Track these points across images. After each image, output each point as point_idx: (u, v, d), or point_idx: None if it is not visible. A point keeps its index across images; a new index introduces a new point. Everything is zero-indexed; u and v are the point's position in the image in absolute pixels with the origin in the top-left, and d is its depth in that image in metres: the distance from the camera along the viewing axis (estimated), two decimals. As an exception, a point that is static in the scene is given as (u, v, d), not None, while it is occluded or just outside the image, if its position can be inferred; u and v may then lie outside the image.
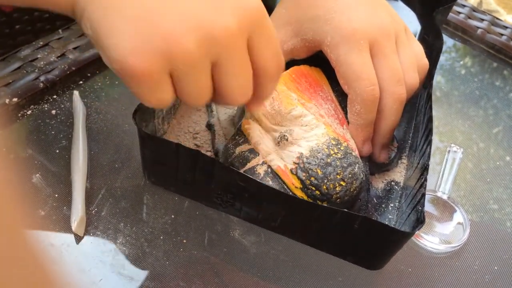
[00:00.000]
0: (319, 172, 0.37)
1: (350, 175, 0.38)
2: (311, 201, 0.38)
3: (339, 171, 0.38)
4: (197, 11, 0.29)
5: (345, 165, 0.38)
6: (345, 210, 0.35)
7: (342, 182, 0.38)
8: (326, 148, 0.38)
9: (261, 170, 0.38)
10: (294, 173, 0.38)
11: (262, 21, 0.31)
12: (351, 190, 0.38)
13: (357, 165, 0.39)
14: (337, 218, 0.36)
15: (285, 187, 0.38)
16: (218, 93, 0.32)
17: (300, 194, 0.38)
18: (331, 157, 0.38)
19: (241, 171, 0.38)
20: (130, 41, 0.28)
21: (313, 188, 0.37)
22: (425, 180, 0.37)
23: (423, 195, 0.36)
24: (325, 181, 0.37)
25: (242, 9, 0.30)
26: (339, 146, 0.39)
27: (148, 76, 0.28)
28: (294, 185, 0.38)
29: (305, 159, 0.37)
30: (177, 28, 0.28)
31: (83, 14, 0.29)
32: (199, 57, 0.29)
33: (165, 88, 0.30)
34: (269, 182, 0.38)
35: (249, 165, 0.38)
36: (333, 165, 0.38)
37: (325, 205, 0.37)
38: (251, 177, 0.36)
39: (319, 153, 0.38)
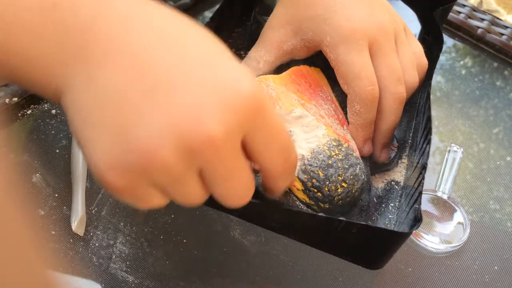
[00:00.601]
0: (321, 174, 0.37)
1: (351, 176, 0.38)
2: (309, 211, 0.38)
3: (340, 173, 0.38)
4: (175, 119, 0.25)
5: (346, 166, 0.38)
6: (343, 219, 0.35)
7: (344, 184, 0.38)
8: (327, 150, 0.38)
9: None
10: (296, 175, 0.37)
11: (259, 115, 0.26)
12: (353, 191, 0.38)
13: (359, 166, 0.39)
14: (335, 225, 0.36)
15: (287, 189, 0.38)
16: (215, 197, 0.28)
17: (302, 196, 0.38)
18: (332, 158, 0.38)
19: None
20: (106, 156, 0.25)
21: (315, 190, 0.37)
22: (423, 178, 0.37)
23: (420, 193, 0.36)
24: (327, 182, 0.37)
25: (231, 107, 0.25)
26: (340, 147, 0.39)
27: (130, 191, 0.26)
28: (296, 187, 0.38)
29: (306, 161, 0.37)
30: (152, 141, 0.24)
31: (67, 114, 0.27)
32: (180, 171, 0.25)
33: (153, 196, 0.27)
34: None
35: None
36: (334, 166, 0.38)
37: (325, 215, 0.37)
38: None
39: (320, 154, 0.38)
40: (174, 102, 0.25)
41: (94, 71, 0.26)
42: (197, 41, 0.27)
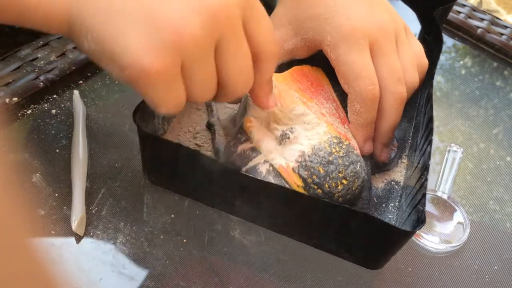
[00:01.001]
0: (321, 171, 0.37)
1: (352, 174, 0.38)
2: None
3: (341, 170, 0.38)
4: None
5: (347, 163, 0.38)
6: (346, 205, 0.35)
7: (344, 181, 0.38)
8: (328, 147, 0.38)
9: (263, 168, 0.38)
10: (296, 171, 0.37)
11: (253, 1, 0.32)
12: (353, 188, 0.38)
13: (359, 163, 0.39)
14: (337, 215, 0.36)
15: (287, 185, 0.38)
16: (221, 83, 0.32)
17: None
18: (333, 155, 0.38)
19: (243, 169, 0.38)
20: (139, 41, 0.27)
21: (315, 187, 0.37)
22: (426, 179, 0.37)
23: (424, 195, 0.36)
24: (327, 179, 0.37)
25: None
26: (341, 145, 0.39)
27: (165, 73, 0.28)
28: (296, 183, 0.38)
29: (307, 158, 0.37)
30: (179, 16, 0.28)
31: (82, 28, 0.28)
32: (205, 39, 0.29)
33: (179, 87, 0.29)
34: (271, 180, 0.38)
35: (251, 164, 0.38)
36: (335, 163, 0.38)
37: (327, 200, 0.37)
38: (251, 175, 0.36)
39: (321, 151, 0.38)
40: None
41: None
42: None
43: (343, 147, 0.39)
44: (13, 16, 0.29)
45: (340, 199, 0.38)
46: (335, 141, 0.39)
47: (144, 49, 0.27)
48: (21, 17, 0.29)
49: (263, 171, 0.38)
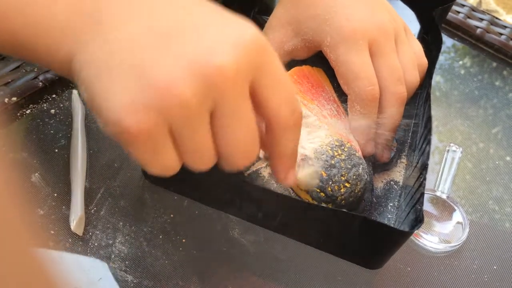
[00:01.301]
0: (324, 174, 0.37)
1: (354, 176, 0.38)
2: (314, 203, 0.38)
3: (343, 173, 0.38)
4: (189, 53, 0.26)
5: (349, 166, 0.38)
6: (344, 210, 0.35)
7: (346, 184, 0.38)
8: (330, 150, 0.38)
9: (266, 172, 0.38)
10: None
11: (265, 58, 0.28)
12: (356, 191, 0.38)
13: (361, 166, 0.39)
14: (337, 219, 0.36)
15: (290, 189, 0.38)
16: (219, 153, 0.29)
17: (305, 196, 0.38)
18: (335, 158, 0.38)
19: (246, 174, 0.38)
20: (124, 99, 0.25)
21: (318, 190, 0.37)
22: (424, 179, 0.37)
23: (422, 194, 0.36)
24: (330, 182, 0.37)
25: (240, 45, 0.26)
26: (343, 147, 0.39)
27: (147, 136, 0.26)
28: (299, 187, 0.38)
29: (309, 161, 0.37)
30: (169, 76, 0.25)
31: (78, 78, 0.27)
32: (195, 105, 0.26)
33: (168, 150, 0.27)
34: (274, 184, 0.38)
35: (253, 168, 0.38)
36: (337, 166, 0.38)
37: (326, 206, 0.37)
38: (250, 176, 0.36)
39: (323, 155, 0.38)
40: (187, 43, 0.26)
41: (109, 33, 0.27)
42: (202, 4, 0.29)
43: (345, 150, 0.39)
44: (13, 48, 0.28)
45: (343, 202, 0.38)
46: (337, 144, 0.39)
47: (127, 109, 0.25)
48: (20, 50, 0.28)
49: (265, 176, 0.38)
